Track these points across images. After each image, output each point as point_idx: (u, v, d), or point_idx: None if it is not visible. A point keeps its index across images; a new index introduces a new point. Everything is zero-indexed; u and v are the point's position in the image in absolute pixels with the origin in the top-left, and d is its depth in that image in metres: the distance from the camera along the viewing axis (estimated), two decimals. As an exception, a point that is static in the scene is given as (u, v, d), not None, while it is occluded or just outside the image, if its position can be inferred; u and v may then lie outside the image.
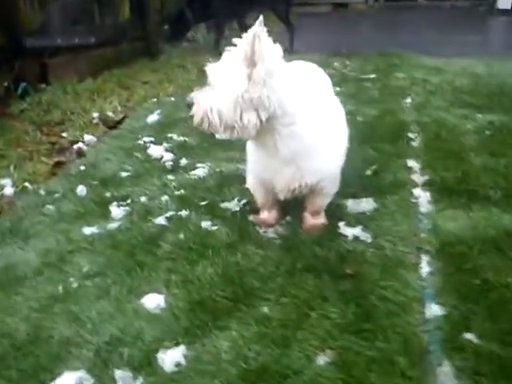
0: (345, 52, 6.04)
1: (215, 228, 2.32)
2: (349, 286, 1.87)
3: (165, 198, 2.63)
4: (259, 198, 2.30)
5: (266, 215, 2.34)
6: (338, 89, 4.23)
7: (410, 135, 3.25)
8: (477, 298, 1.77)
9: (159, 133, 3.56)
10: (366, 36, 8.23)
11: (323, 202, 2.23)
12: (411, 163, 2.87)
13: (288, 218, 2.39)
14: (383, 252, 2.07)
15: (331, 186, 2.16)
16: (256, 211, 2.40)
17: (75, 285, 1.98)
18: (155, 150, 3.25)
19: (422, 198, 2.50)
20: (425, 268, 1.99)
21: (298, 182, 2.03)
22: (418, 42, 6.76)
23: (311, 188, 2.09)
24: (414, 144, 3.15)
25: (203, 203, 2.54)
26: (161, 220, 2.42)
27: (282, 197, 2.15)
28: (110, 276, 2.02)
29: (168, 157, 3.15)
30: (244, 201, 2.53)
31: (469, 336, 1.62)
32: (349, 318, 1.73)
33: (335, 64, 5.46)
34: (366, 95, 4.17)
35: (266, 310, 1.79)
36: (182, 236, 2.27)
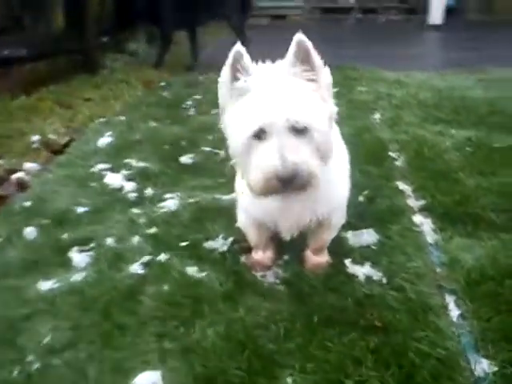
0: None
1: (204, 275, 1.97)
2: (379, 342, 1.60)
3: (136, 238, 2.24)
4: (253, 238, 1.98)
5: (260, 256, 2.02)
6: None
7: (392, 155, 3.07)
8: (526, 348, 1.56)
9: (114, 158, 3.14)
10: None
11: (329, 236, 1.96)
12: (402, 186, 2.67)
13: (286, 257, 2.09)
14: (405, 295, 1.82)
15: (340, 217, 1.90)
16: (247, 250, 2.09)
17: (36, 365, 1.57)
18: (113, 179, 2.84)
19: (425, 225, 2.30)
20: (454, 311, 1.76)
21: (309, 216, 1.76)
22: (362, 55, 6.73)
23: (320, 222, 1.81)
24: (399, 164, 2.96)
25: (184, 244, 2.18)
26: (136, 267, 2.03)
27: (287, 237, 1.86)
28: (82, 348, 1.63)
29: (129, 187, 2.75)
30: (231, 238, 2.20)
31: (533, 398, 1.40)
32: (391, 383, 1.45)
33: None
34: (332, 111, 3.97)
35: (290, 381, 1.47)
36: (166, 287, 1.90)
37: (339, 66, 5.32)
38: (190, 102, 4.30)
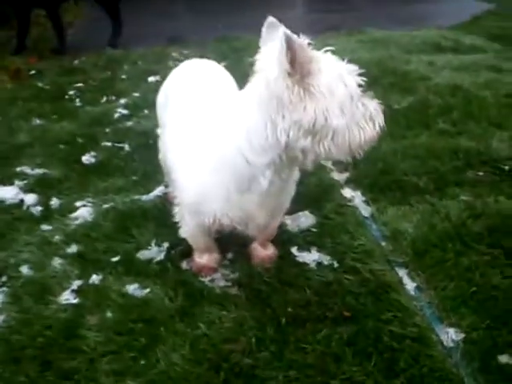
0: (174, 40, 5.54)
1: (148, 291, 1.78)
2: (352, 332, 1.56)
3: (56, 261, 1.96)
4: (200, 244, 1.84)
5: (206, 259, 1.88)
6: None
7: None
8: (485, 309, 1.62)
9: (2, 167, 2.70)
10: (184, 22, 7.81)
11: (276, 224, 1.86)
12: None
13: (229, 255, 1.97)
14: (360, 276, 1.81)
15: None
16: (187, 254, 1.93)
17: None
18: (8, 193, 2.45)
19: (356, 199, 2.31)
20: (409, 284, 1.79)
21: (283, 209, 1.73)
22: (238, 23, 6.57)
23: None
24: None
25: (115, 259, 1.95)
26: (67, 297, 1.78)
27: (259, 236, 1.81)
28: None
29: (31, 199, 2.40)
30: (165, 244, 2.01)
31: (505, 359, 1.46)
32: (375, 375, 1.42)
33: (173, 54, 4.96)
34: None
35: (277, 395, 1.38)
36: (109, 314, 1.69)
37: (222, 38, 5.18)
38: (72, 92, 3.86)
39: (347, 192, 2.36)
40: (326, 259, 1.91)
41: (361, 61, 3.79)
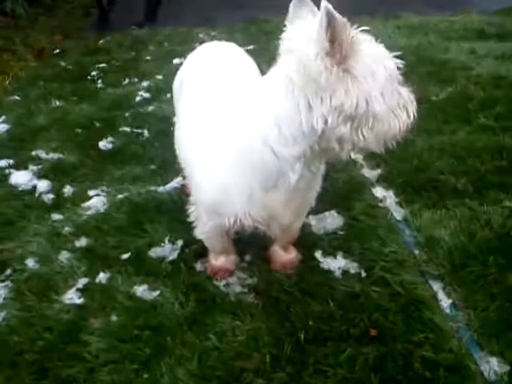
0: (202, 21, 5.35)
1: (157, 294, 1.66)
2: (379, 355, 1.40)
3: (64, 255, 1.85)
4: (217, 245, 1.69)
5: (222, 261, 1.74)
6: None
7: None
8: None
9: (18, 151, 2.62)
10: (214, 2, 7.59)
11: (300, 225, 1.70)
12: (352, 154, 2.46)
13: (247, 257, 1.82)
14: (390, 289, 1.64)
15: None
16: (202, 254, 1.79)
17: None
18: (21, 178, 2.36)
19: (388, 199, 2.12)
20: (444, 300, 1.61)
21: (308, 207, 1.57)
22: (269, 4, 6.33)
23: None
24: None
25: (125, 255, 1.83)
26: (72, 296, 1.67)
27: (281, 238, 1.67)
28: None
29: (44, 186, 2.29)
30: (180, 241, 1.88)
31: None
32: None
33: (200, 36, 4.79)
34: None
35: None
36: (114, 318, 1.57)
37: (250, 22, 4.97)
38: (95, 73, 3.74)
39: (379, 191, 2.17)
40: (352, 267, 1.75)
41: (397, 47, 3.52)
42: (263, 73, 1.37)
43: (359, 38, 1.13)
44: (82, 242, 1.92)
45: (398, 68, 1.19)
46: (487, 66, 3.50)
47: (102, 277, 1.72)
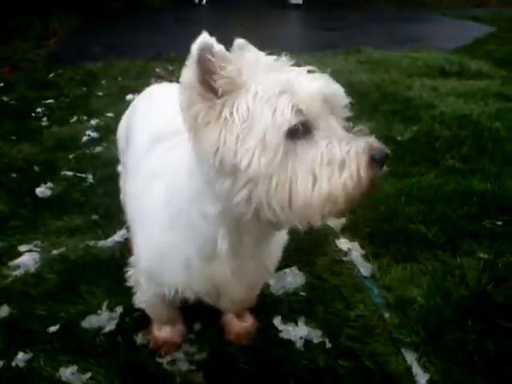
0: (162, 55, 5.20)
1: (88, 377, 1.39)
2: None
3: (-22, 329, 1.57)
4: (160, 315, 1.46)
5: (167, 332, 1.51)
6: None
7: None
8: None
9: None
10: (174, 34, 7.50)
11: (256, 295, 1.48)
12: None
13: (197, 326, 1.58)
14: (359, 363, 1.43)
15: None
16: (144, 323, 1.55)
17: None
18: None
19: (354, 252, 1.93)
20: (420, 375, 1.41)
21: (268, 276, 1.38)
22: (224, 38, 6.25)
23: None
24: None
25: (53, 328, 1.56)
26: (-16, 382, 1.38)
27: (233, 310, 1.47)
28: None
29: (-36, 242, 2.01)
30: (120, 308, 1.63)
31: None
32: None
33: (157, 70, 4.62)
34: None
35: None
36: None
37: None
38: (40, 109, 3.49)
39: (343, 243, 1.99)
40: (316, 336, 1.54)
41: (361, 84, 3.39)
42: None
43: (251, 71, 0.91)
44: (3, 311, 1.64)
45: (299, 110, 0.87)
46: (451, 104, 3.45)
47: (21, 358, 1.44)
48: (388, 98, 3.54)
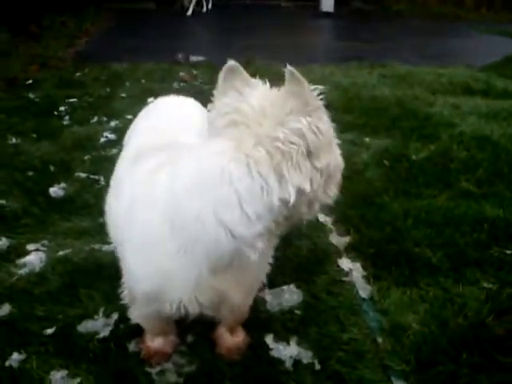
0: (182, 59, 5.24)
1: (77, 383, 1.42)
2: None
3: (-23, 327, 1.61)
4: (154, 328, 1.48)
5: (160, 343, 1.52)
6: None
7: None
8: None
9: (-43, 193, 2.39)
10: (205, 39, 7.57)
11: (250, 303, 1.48)
12: (321, 217, 2.27)
13: (189, 338, 1.60)
14: (346, 388, 1.42)
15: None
16: (138, 332, 1.57)
17: None
18: (-47, 227, 2.13)
19: (355, 273, 1.92)
20: (409, 407, 1.39)
21: (260, 282, 1.39)
22: (255, 45, 6.28)
23: None
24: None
25: (50, 331, 1.59)
26: (-24, 380, 1.42)
27: (228, 319, 1.47)
28: None
29: (-25, 238, 2.07)
30: (115, 315, 1.65)
31: None
32: None
33: (181, 74, 4.67)
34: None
35: None
36: (19, 412, 1.32)
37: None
38: (63, 108, 3.57)
39: (345, 262, 1.98)
40: (306, 356, 1.53)
41: (382, 98, 3.33)
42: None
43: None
44: (4, 309, 1.68)
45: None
46: (471, 123, 3.39)
47: (15, 358, 1.48)
48: (408, 114, 3.50)
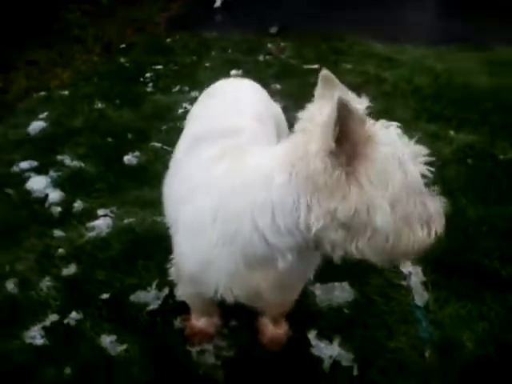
0: (275, 31, 5.15)
1: (123, 349, 1.51)
2: None
3: (46, 283, 1.75)
4: (199, 308, 1.53)
5: (204, 323, 1.57)
6: (278, 86, 3.45)
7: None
8: None
9: (44, 153, 2.57)
10: (299, 12, 7.37)
11: (292, 300, 1.47)
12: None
13: (233, 322, 1.62)
14: (383, 399, 1.38)
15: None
16: (185, 309, 1.61)
17: None
18: (37, 184, 2.30)
19: (414, 277, 1.83)
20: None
21: (302, 284, 1.39)
22: (351, 19, 5.98)
23: None
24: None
25: (105, 295, 1.69)
26: (35, 334, 1.56)
27: (270, 311, 1.49)
28: None
29: (55, 197, 2.22)
30: (166, 289, 1.71)
31: None
32: None
33: (269, 46, 4.60)
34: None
35: None
36: (67, 371, 1.43)
37: (325, 36, 4.68)
38: (149, 74, 3.68)
39: (405, 266, 1.89)
40: (346, 359, 1.51)
41: (476, 88, 3.07)
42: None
43: (378, 137, 0.93)
44: (70, 269, 1.81)
45: (424, 175, 0.97)
46: None
47: (73, 317, 1.60)
48: (502, 107, 3.21)
